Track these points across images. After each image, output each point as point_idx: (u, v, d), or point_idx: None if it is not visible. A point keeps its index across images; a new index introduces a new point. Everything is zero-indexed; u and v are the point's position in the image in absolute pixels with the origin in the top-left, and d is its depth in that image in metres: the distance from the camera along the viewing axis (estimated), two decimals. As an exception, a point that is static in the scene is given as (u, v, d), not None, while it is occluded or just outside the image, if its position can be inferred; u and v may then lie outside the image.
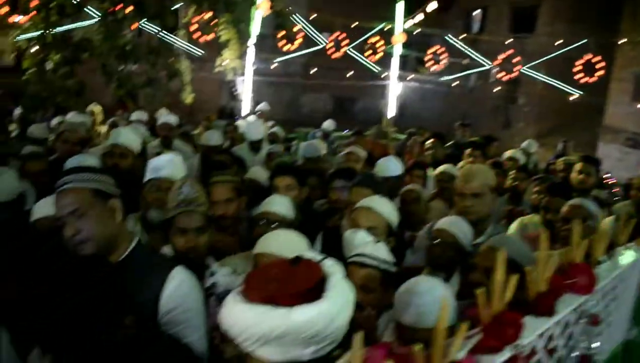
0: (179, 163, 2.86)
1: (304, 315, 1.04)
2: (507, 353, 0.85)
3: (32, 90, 7.39)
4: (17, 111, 7.04)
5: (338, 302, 1.10)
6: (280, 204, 2.77)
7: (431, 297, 1.68)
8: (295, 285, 1.08)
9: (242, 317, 1.07)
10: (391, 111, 11.33)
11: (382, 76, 12.86)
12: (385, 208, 2.63)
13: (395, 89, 11.56)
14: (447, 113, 17.49)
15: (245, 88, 10.53)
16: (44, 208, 2.48)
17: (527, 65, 13.79)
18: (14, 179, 2.73)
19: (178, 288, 1.88)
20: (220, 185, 2.85)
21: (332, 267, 1.19)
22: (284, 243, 2.05)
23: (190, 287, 1.95)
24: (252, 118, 7.99)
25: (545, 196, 3.49)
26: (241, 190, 2.99)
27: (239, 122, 7.65)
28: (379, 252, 2.13)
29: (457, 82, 16.74)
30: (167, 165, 2.77)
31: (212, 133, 5.22)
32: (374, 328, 2.02)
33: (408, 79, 15.74)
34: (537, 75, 13.58)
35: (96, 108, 7.45)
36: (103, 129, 6.60)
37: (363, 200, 2.68)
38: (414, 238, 3.23)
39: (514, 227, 3.50)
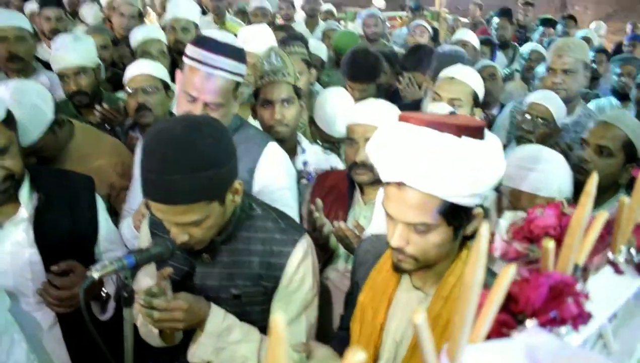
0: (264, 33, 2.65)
1: (470, 145, 0.97)
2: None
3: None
4: None
5: (499, 148, 1.04)
6: None
7: (553, 165, 1.63)
8: (461, 119, 1.03)
9: (401, 138, 0.97)
10: (445, -9, 10.54)
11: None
12: (469, 76, 2.39)
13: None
14: (499, -6, 16.26)
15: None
16: None
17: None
18: (94, 45, 2.61)
19: (273, 165, 1.83)
20: (291, 57, 2.73)
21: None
22: (382, 112, 1.83)
23: (285, 165, 1.90)
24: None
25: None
26: (310, 63, 2.87)
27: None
28: None
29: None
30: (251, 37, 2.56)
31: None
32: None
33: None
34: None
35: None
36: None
37: (445, 70, 2.45)
38: (490, 117, 3.11)
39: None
